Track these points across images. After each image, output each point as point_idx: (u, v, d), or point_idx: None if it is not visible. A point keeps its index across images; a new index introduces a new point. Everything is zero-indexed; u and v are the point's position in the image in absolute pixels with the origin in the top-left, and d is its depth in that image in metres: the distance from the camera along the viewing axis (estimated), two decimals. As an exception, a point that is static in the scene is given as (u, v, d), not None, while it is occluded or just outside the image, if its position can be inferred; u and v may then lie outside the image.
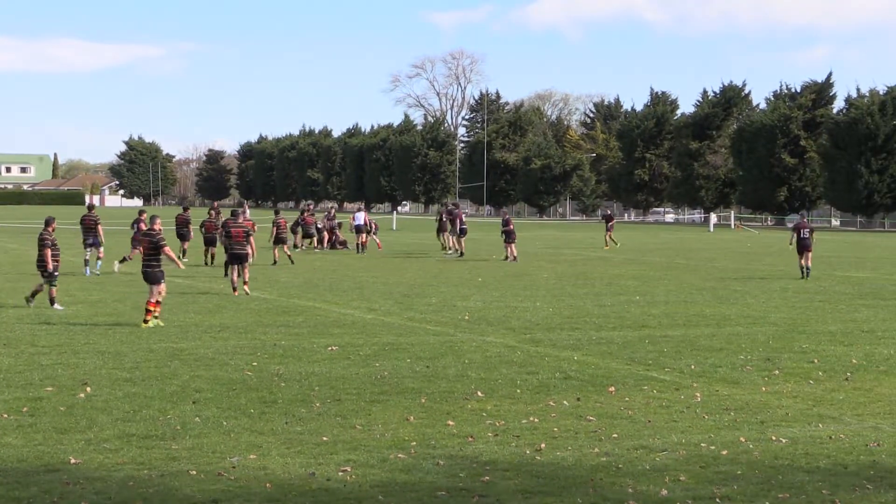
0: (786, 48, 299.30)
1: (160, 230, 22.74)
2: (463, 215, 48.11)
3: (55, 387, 14.70)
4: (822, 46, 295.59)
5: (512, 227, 44.22)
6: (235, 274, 27.87)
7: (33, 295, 24.86)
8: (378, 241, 52.93)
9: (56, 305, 24.44)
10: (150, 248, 22.11)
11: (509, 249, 44.32)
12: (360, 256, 47.14)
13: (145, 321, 21.31)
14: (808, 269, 35.81)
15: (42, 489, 9.79)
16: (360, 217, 50.93)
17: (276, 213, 43.74)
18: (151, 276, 21.81)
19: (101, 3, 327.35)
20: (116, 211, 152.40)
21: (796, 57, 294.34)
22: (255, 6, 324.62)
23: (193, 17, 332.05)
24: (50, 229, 25.44)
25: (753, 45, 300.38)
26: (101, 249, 35.08)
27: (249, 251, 28.29)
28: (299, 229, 51.47)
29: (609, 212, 66.46)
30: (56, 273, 24.86)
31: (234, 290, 27.54)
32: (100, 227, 35.09)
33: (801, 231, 36.06)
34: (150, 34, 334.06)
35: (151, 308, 21.46)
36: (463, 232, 46.45)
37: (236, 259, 28.13)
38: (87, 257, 35.05)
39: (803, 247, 35.76)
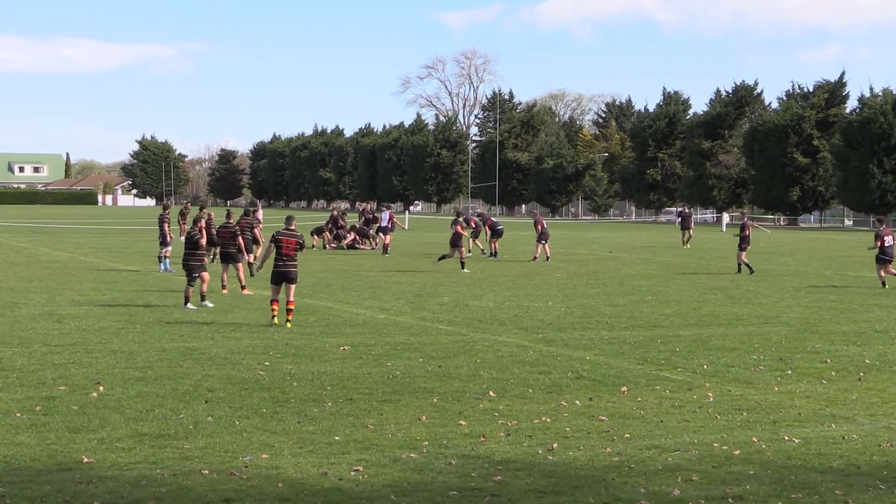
0: (796, 47, 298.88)
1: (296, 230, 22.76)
2: (493, 219, 48.37)
3: (68, 386, 14.73)
4: (833, 45, 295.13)
5: (542, 227, 43.96)
6: (226, 273, 28.69)
7: (199, 297, 25.09)
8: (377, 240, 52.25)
9: (206, 302, 24.89)
10: (296, 248, 22.10)
11: (541, 249, 44.07)
12: (370, 255, 47.03)
13: (288, 320, 21.41)
14: (747, 265, 37.50)
15: (55, 488, 9.82)
16: (386, 217, 50.48)
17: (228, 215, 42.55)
18: (293, 276, 21.84)
19: (113, 3, 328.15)
20: (129, 210, 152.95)
21: (807, 56, 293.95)
22: (266, 6, 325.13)
23: (204, 16, 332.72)
24: (197, 228, 25.64)
25: (763, 44, 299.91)
26: (168, 249, 35.89)
27: (237, 251, 28.67)
28: (331, 229, 52.24)
29: (687, 210, 65.82)
30: (195, 273, 24.96)
31: (223, 287, 28.16)
32: (166, 226, 35.88)
33: (747, 229, 38.11)
34: (161, 34, 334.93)
35: (292, 307, 21.68)
36: (499, 233, 46.29)
37: (223, 258, 28.96)
38: (166, 254, 36.12)
39: (746, 243, 37.59)
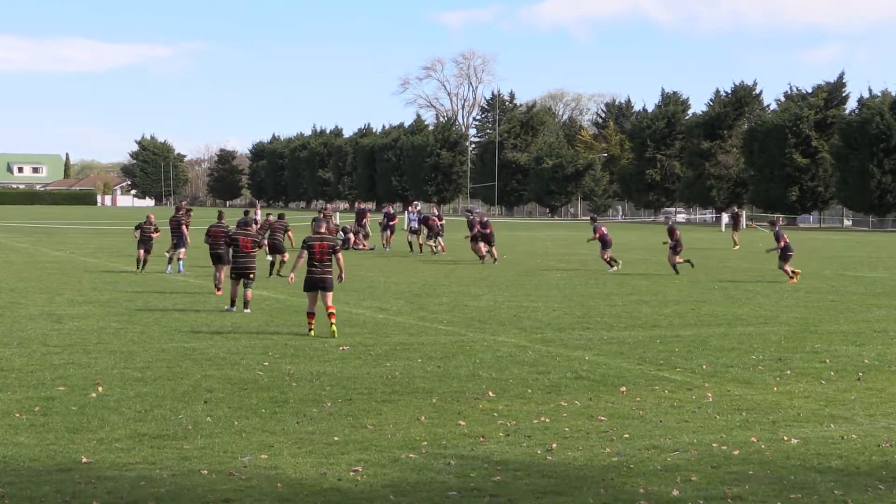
0: (794, 48, 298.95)
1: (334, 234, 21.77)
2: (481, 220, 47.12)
3: (67, 386, 14.73)
4: (831, 46, 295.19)
5: (490, 229, 42.77)
6: (220, 273, 25.72)
7: (244, 301, 24.16)
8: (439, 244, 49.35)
9: (246, 310, 23.95)
10: (329, 252, 20.58)
11: (490, 251, 42.38)
12: (370, 255, 47.01)
13: (332, 324, 20.20)
14: (674, 266, 37.07)
15: (54, 488, 9.81)
16: (416, 218, 49.96)
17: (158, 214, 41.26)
18: (328, 284, 20.46)
19: (112, 2, 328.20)
20: (127, 211, 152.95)
21: (805, 56, 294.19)
22: (265, 6, 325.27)
23: (204, 16, 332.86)
24: (249, 229, 25.33)
25: (762, 44, 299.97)
26: (183, 251, 35.80)
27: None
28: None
29: (737, 211, 64.84)
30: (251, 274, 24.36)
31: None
32: (184, 227, 35.79)
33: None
34: (160, 34, 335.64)
35: (333, 311, 20.44)
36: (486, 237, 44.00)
37: (214, 259, 26.88)
38: (170, 256, 36.13)
39: (680, 246, 37.34)
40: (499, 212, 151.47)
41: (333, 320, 20.28)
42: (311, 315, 20.42)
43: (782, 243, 34.68)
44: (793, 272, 34.49)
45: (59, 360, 17.02)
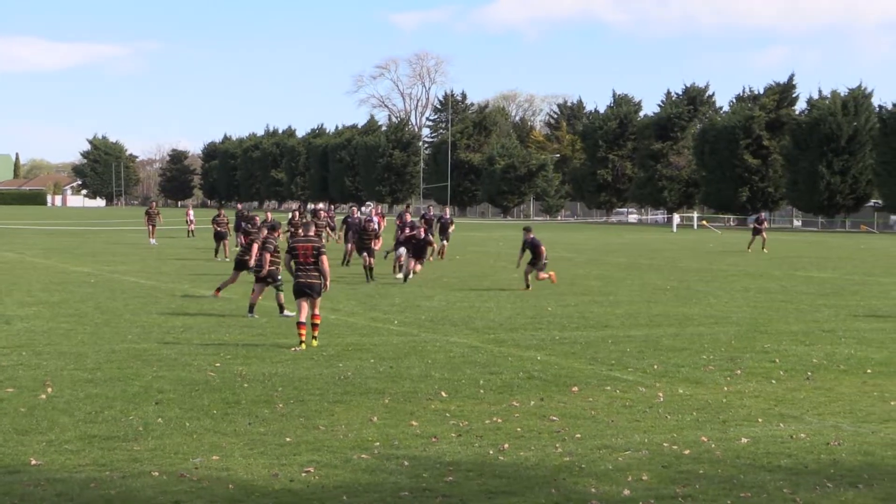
0: (745, 49, 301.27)
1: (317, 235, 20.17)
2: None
3: (16, 388, 14.59)
4: (781, 47, 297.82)
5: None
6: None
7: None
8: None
9: (286, 312, 23.38)
10: (313, 255, 19.39)
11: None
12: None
13: (314, 337, 19.03)
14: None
15: (2, 491, 9.72)
16: (376, 220, 49.13)
17: None
18: (316, 288, 19.28)
19: (64, 1, 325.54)
20: (79, 211, 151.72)
21: (756, 58, 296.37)
22: (219, 6, 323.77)
23: (156, 16, 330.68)
24: (276, 234, 24.61)
25: (714, 46, 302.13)
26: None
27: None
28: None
29: (763, 215, 62.58)
30: (279, 278, 24.04)
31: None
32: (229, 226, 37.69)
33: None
34: (112, 33, 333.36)
35: (318, 322, 19.26)
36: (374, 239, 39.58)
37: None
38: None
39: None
40: (452, 212, 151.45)
41: (316, 333, 19.12)
42: (300, 325, 18.99)
43: (543, 249, 32.11)
44: (529, 282, 31.44)
45: (7, 361, 16.86)
